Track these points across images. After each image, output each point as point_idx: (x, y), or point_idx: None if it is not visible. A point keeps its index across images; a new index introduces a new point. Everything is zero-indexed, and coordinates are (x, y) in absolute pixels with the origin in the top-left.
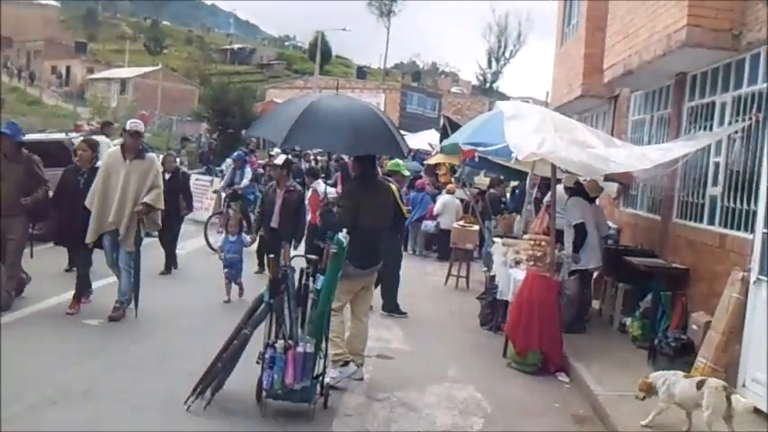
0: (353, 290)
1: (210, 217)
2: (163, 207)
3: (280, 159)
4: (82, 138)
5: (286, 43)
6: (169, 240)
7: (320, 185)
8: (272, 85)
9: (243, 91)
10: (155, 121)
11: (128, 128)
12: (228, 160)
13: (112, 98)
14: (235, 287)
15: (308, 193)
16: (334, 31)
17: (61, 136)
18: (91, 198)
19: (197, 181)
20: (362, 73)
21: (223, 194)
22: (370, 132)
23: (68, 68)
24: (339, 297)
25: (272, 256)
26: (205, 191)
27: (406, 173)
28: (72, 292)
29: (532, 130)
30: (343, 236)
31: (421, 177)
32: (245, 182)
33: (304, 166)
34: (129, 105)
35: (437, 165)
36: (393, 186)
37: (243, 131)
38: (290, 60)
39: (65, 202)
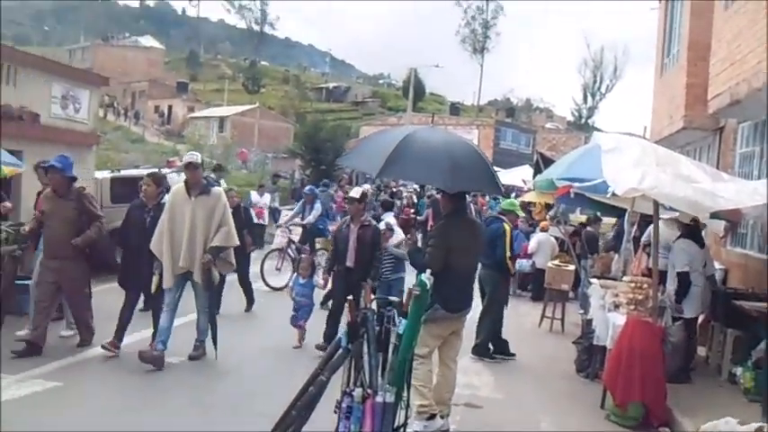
0: (442, 335)
1: (268, 253)
2: (236, 243)
3: (356, 192)
4: (148, 173)
5: (380, 81)
6: (241, 278)
7: (388, 219)
8: (366, 122)
9: (336, 128)
10: (251, 158)
11: (185, 160)
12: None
13: (211, 135)
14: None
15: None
16: (427, 68)
17: (155, 171)
18: (158, 241)
19: (287, 217)
20: (456, 109)
21: (285, 231)
22: (468, 168)
23: (170, 107)
24: (427, 342)
25: (350, 298)
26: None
27: (521, 213)
28: (150, 331)
29: (632, 164)
30: (426, 277)
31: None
32: (311, 218)
33: (398, 204)
34: (226, 142)
35: (530, 202)
36: (506, 226)
37: (336, 164)
38: (384, 98)
39: (130, 240)
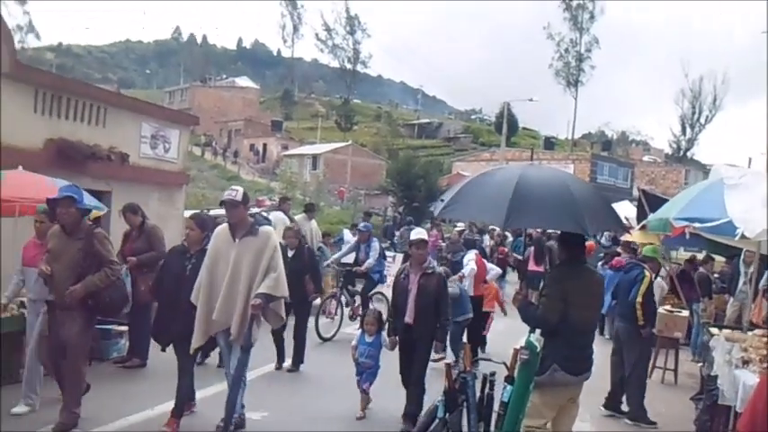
0: (560, 402)
1: (324, 300)
2: (284, 294)
3: (418, 233)
4: (191, 214)
5: (472, 116)
6: (296, 330)
7: (469, 256)
8: (459, 158)
9: (428, 164)
10: (345, 195)
11: (224, 197)
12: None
13: (305, 173)
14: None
15: (467, 268)
16: (520, 102)
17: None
18: (196, 292)
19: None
20: (550, 143)
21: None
22: (590, 207)
23: (265, 146)
24: (542, 412)
25: (448, 361)
26: (388, 266)
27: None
28: (170, 405)
29: (763, 202)
30: (535, 338)
31: (619, 254)
32: (371, 261)
33: (488, 242)
34: (318, 180)
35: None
36: (647, 273)
37: (430, 206)
38: (477, 133)
39: (166, 290)
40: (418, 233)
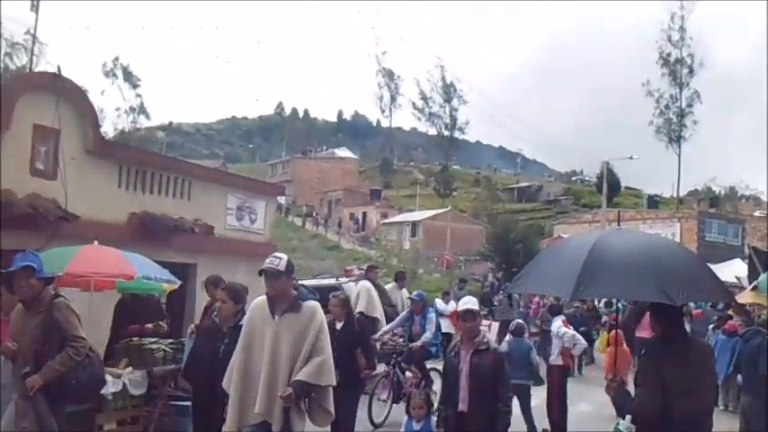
0: None
1: (378, 380)
2: (331, 382)
3: (464, 303)
4: (223, 285)
5: (573, 178)
6: (345, 414)
7: (556, 324)
8: (560, 220)
9: (527, 228)
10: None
11: (264, 266)
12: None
13: (404, 240)
14: None
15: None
16: (621, 162)
17: (332, 281)
18: (229, 375)
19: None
20: (654, 202)
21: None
22: (682, 273)
23: (364, 214)
24: None
25: None
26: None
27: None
28: None
29: None
30: (625, 426)
31: (730, 318)
32: (428, 335)
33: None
34: (416, 247)
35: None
36: None
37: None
38: (578, 195)
39: (198, 375)
40: (466, 303)
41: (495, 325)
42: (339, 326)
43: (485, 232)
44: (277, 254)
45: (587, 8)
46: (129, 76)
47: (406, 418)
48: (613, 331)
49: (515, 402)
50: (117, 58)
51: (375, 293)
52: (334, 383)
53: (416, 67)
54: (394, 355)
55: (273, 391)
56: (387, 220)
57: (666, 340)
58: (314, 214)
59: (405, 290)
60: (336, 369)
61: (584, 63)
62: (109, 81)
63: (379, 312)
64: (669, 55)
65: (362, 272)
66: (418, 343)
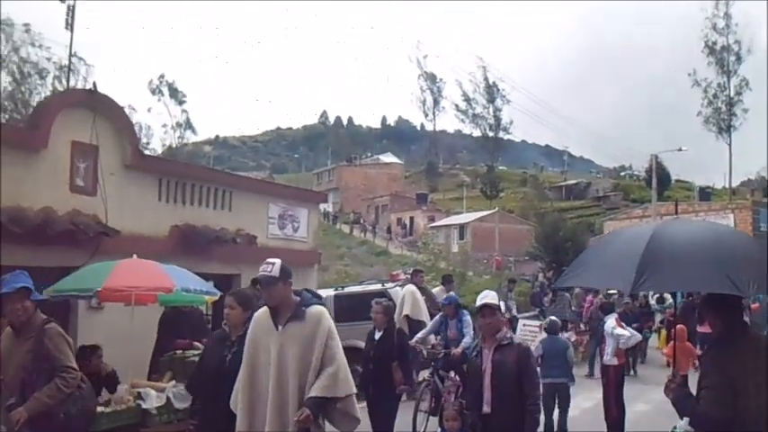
0: None
1: (421, 391)
2: (349, 392)
3: (482, 297)
4: (232, 291)
5: (621, 173)
6: (382, 428)
7: (610, 323)
8: (610, 217)
9: (576, 226)
10: (494, 263)
11: (258, 274)
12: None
13: (452, 243)
14: None
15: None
16: (670, 154)
17: (378, 286)
18: (235, 396)
19: (524, 327)
20: (706, 194)
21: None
22: (751, 261)
23: (411, 219)
24: None
25: None
26: (534, 337)
27: None
28: None
29: None
30: (683, 429)
31: None
32: (468, 340)
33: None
34: (464, 249)
35: None
36: None
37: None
38: (627, 190)
39: (204, 386)
40: (483, 297)
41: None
42: (378, 335)
43: (533, 232)
44: (270, 260)
45: (621, 5)
46: (174, 93)
47: (439, 430)
48: (674, 327)
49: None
50: (162, 75)
51: (420, 296)
52: (354, 391)
53: (458, 69)
54: (432, 363)
55: (284, 409)
56: (434, 224)
57: (728, 336)
58: (361, 221)
59: (452, 293)
60: (370, 383)
61: (627, 55)
62: (155, 98)
63: (424, 316)
64: (715, 43)
65: (408, 276)
66: (458, 349)
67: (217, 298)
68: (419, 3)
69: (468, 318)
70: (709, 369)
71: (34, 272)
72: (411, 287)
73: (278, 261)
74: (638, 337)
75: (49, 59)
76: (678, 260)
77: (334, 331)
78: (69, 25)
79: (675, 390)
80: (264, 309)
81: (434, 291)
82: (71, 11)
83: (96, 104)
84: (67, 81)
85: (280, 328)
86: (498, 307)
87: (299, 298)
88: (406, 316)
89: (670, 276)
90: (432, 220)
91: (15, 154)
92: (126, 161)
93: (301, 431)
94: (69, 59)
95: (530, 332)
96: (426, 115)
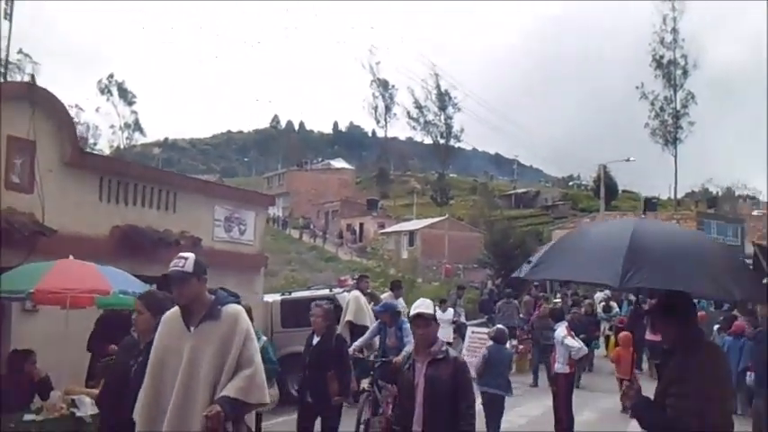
0: None
1: (363, 400)
2: (264, 400)
3: (417, 306)
4: (140, 294)
5: (570, 183)
6: None
7: (560, 331)
8: (558, 225)
9: (525, 234)
10: (442, 270)
11: (169, 269)
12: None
13: (402, 250)
14: None
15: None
16: (618, 165)
17: (326, 291)
18: (139, 406)
19: (473, 333)
20: (652, 205)
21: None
22: (729, 268)
23: (361, 225)
24: None
25: None
26: (482, 344)
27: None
28: None
29: None
30: None
31: (736, 318)
32: (409, 348)
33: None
34: (413, 256)
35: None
36: None
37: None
38: (575, 199)
39: (106, 398)
40: (418, 306)
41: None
42: (316, 341)
43: (482, 239)
44: (183, 254)
45: (579, 10)
46: (124, 93)
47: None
48: (622, 332)
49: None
50: (112, 75)
51: (364, 302)
52: (267, 402)
53: (411, 76)
54: (371, 372)
55: (188, 410)
56: (384, 230)
57: (689, 343)
58: (311, 226)
59: (401, 299)
60: (308, 390)
61: (578, 67)
62: (104, 98)
63: (369, 320)
64: (662, 57)
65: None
66: (399, 357)
67: None
68: (369, 5)
69: (407, 325)
70: (677, 376)
71: None
72: (355, 293)
73: (191, 255)
74: (585, 350)
75: None
76: (663, 257)
77: (253, 333)
78: (8, 15)
79: (634, 397)
80: (175, 309)
81: (383, 297)
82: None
83: (35, 99)
84: (4, 76)
85: (192, 329)
86: (433, 317)
87: (213, 297)
88: (349, 321)
89: (657, 272)
90: (382, 226)
91: None
92: (65, 158)
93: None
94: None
95: (478, 339)
96: (378, 122)
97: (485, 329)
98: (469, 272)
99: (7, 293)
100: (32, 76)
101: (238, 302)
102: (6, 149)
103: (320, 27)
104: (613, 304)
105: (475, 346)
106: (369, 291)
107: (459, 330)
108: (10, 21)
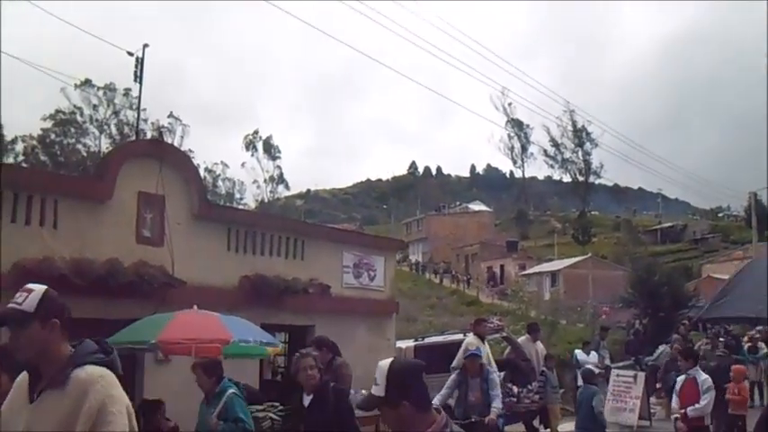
0: None
1: None
2: None
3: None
4: None
5: (719, 214)
6: None
7: (700, 374)
8: (708, 259)
9: (672, 270)
10: (587, 311)
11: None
12: (662, 348)
13: (544, 291)
14: None
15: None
16: None
17: (459, 336)
18: None
19: (617, 377)
20: None
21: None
22: None
23: (502, 267)
24: None
25: None
26: (628, 389)
27: None
28: None
29: None
30: None
31: None
32: (498, 405)
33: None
34: (554, 297)
35: None
36: None
37: (679, 314)
38: (726, 231)
39: None
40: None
41: (642, 375)
42: (308, 401)
43: (627, 277)
44: (30, 285)
45: (718, 36)
46: (268, 148)
47: None
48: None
49: None
50: (257, 131)
51: (23, 378)
52: None
53: (545, 114)
54: None
55: None
56: (525, 272)
57: None
58: (453, 272)
59: (539, 342)
60: None
61: (718, 94)
62: (248, 153)
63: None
64: None
65: (493, 326)
66: (491, 415)
67: (279, 349)
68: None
69: (495, 377)
70: None
71: (99, 324)
72: (471, 338)
73: (41, 287)
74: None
75: (145, 121)
76: None
77: (114, 409)
78: (138, 78)
79: None
80: (24, 375)
81: (520, 340)
82: (140, 63)
83: (162, 154)
84: (136, 134)
85: (36, 399)
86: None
87: (72, 350)
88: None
89: None
90: (523, 267)
91: (80, 205)
92: (193, 210)
93: None
94: (138, 112)
95: (623, 383)
96: (515, 162)
97: (631, 372)
98: (616, 312)
99: (133, 344)
100: (160, 133)
101: (107, 361)
102: (137, 205)
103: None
104: (762, 345)
105: (620, 390)
106: (505, 334)
107: (605, 374)
108: (140, 83)
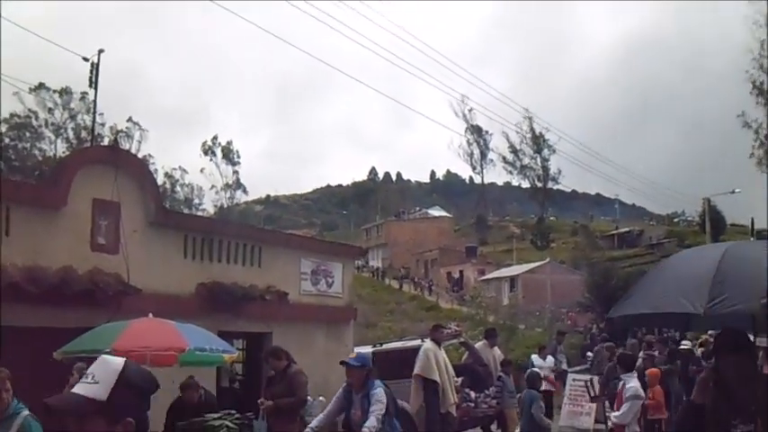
0: None
1: None
2: None
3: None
4: None
5: (675, 220)
6: None
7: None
8: None
9: (628, 275)
10: (546, 315)
11: None
12: (597, 348)
13: (503, 296)
14: None
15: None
16: (724, 198)
17: (418, 342)
18: None
19: (574, 381)
20: (763, 237)
21: None
22: None
23: (461, 272)
24: None
25: None
26: (584, 393)
27: None
28: None
29: None
30: None
31: None
32: (373, 422)
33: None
34: (514, 302)
35: None
36: None
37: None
38: (681, 236)
39: None
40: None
41: (596, 379)
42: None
43: (585, 282)
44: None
45: (673, 41)
46: (228, 153)
47: None
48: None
49: None
50: (216, 137)
51: (435, 353)
52: None
53: (504, 120)
54: None
55: None
56: (484, 277)
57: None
58: (416, 279)
59: (497, 348)
60: None
61: (674, 100)
62: (207, 158)
63: (436, 375)
64: (762, 83)
65: (451, 331)
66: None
67: (236, 356)
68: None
69: (378, 391)
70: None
71: (53, 333)
72: (428, 344)
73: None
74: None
75: (103, 125)
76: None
77: None
78: (93, 83)
79: None
80: None
81: (477, 345)
82: (95, 68)
83: (118, 161)
84: (92, 139)
85: None
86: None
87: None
88: (417, 375)
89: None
90: (482, 273)
91: (34, 211)
92: (149, 218)
93: None
94: (94, 117)
95: (579, 387)
96: (474, 168)
97: (586, 376)
98: (574, 316)
99: (87, 353)
100: (116, 139)
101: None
102: (92, 212)
103: (413, 78)
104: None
105: (576, 394)
106: (462, 340)
107: (561, 378)
108: (96, 89)
